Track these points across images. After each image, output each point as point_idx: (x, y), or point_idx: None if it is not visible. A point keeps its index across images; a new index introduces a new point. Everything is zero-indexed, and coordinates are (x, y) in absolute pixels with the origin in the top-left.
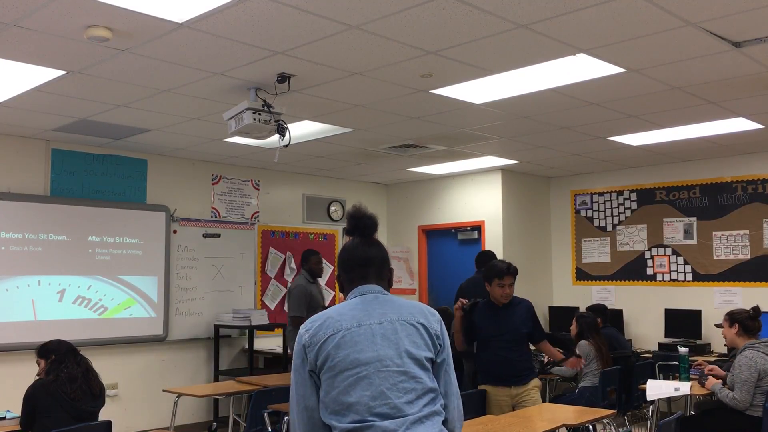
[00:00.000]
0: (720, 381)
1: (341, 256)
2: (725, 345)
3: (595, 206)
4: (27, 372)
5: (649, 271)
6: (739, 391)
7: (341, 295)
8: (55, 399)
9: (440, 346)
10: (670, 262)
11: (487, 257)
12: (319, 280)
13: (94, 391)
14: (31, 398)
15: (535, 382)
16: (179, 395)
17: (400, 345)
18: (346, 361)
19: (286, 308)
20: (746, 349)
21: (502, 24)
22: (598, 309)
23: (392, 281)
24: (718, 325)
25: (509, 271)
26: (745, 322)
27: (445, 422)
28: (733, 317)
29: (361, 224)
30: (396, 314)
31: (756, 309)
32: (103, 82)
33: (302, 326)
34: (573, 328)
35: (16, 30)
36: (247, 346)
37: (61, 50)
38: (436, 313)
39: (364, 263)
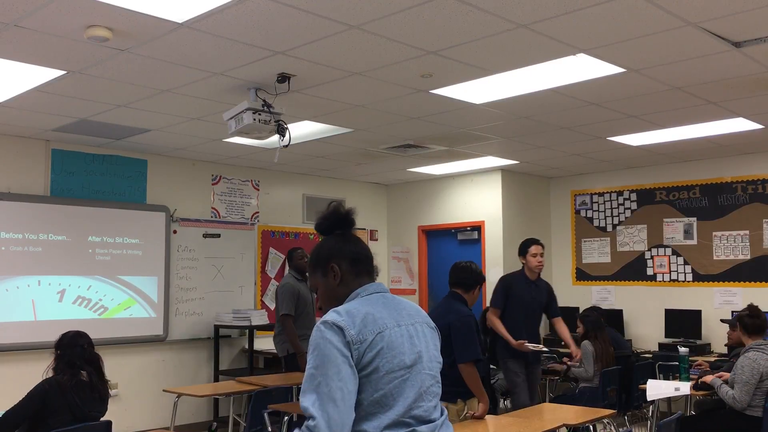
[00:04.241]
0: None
1: (347, 248)
2: (726, 345)
3: (595, 206)
4: (27, 372)
5: (649, 271)
6: (738, 392)
7: None
8: (67, 401)
9: None
10: (670, 263)
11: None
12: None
13: (103, 397)
14: (43, 394)
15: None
16: (179, 395)
17: (430, 348)
18: (393, 362)
19: (273, 308)
20: (750, 350)
21: (502, 24)
22: (593, 311)
23: None
24: (728, 322)
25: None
26: (744, 320)
27: None
28: (738, 319)
29: (350, 219)
30: (419, 317)
31: (753, 307)
32: (103, 82)
33: (336, 320)
34: (580, 328)
35: (16, 30)
36: (247, 346)
37: (61, 50)
38: None
39: (370, 258)
